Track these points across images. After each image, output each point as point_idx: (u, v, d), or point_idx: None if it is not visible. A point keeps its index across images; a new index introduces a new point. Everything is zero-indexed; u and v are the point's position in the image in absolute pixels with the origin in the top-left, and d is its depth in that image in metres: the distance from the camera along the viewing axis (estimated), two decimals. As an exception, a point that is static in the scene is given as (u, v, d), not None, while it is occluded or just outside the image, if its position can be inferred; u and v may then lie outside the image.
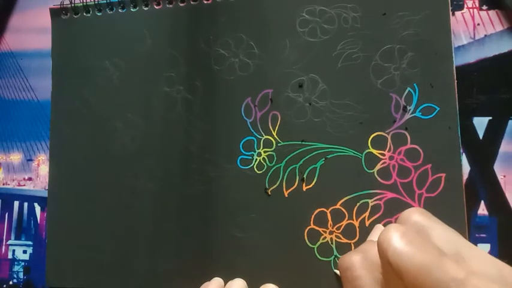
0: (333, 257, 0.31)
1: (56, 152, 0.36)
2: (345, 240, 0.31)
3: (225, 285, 0.32)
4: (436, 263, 0.20)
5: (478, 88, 0.32)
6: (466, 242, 0.23)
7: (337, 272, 0.27)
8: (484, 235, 0.31)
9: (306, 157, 0.32)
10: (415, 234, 0.22)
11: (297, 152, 0.32)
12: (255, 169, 0.33)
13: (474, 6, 0.33)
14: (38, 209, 0.38)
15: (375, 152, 0.31)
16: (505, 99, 0.32)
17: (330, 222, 0.32)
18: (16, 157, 0.38)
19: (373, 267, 0.23)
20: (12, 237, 0.38)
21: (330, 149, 0.32)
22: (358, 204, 0.31)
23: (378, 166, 0.31)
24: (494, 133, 0.32)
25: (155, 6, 0.35)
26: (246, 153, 0.33)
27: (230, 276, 0.32)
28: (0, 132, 0.39)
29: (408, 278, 0.20)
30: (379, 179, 0.31)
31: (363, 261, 0.24)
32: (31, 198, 0.38)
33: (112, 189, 0.35)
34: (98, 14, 0.36)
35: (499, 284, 0.20)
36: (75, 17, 0.36)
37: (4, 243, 0.38)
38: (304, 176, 0.32)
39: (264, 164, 0.33)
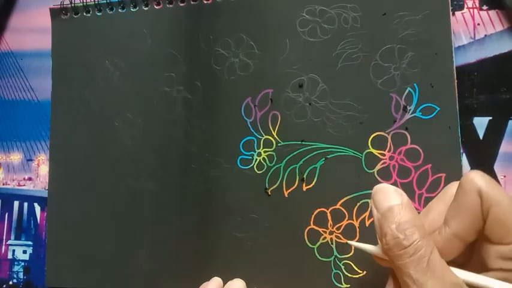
0: (333, 257, 0.31)
1: (56, 152, 0.36)
2: (345, 241, 0.31)
3: (224, 285, 0.32)
4: None
5: (478, 88, 0.32)
6: None
7: (353, 243, 0.26)
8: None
9: (306, 157, 0.32)
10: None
11: (297, 152, 0.32)
12: (255, 169, 0.33)
13: (474, 6, 0.33)
14: (38, 209, 0.38)
15: (375, 152, 0.31)
16: (505, 99, 0.32)
17: (330, 222, 0.32)
18: (16, 157, 0.38)
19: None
20: (12, 237, 0.38)
21: (330, 149, 0.32)
22: (358, 204, 0.31)
23: (378, 166, 0.31)
24: (494, 133, 0.32)
25: (155, 6, 0.35)
26: (246, 153, 0.33)
27: (230, 276, 0.32)
28: (0, 132, 0.39)
29: (499, 212, 0.21)
30: (379, 179, 0.31)
31: (414, 211, 0.23)
32: (31, 198, 0.38)
33: (112, 189, 0.35)
34: (98, 14, 0.36)
35: None
36: (75, 17, 0.36)
37: (4, 243, 0.38)
38: (304, 176, 0.32)
39: (264, 164, 0.33)
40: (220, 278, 0.32)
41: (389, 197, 0.23)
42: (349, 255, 0.31)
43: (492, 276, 0.22)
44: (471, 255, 0.24)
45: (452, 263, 0.23)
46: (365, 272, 0.31)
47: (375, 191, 0.24)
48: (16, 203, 0.38)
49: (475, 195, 0.22)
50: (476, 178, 0.22)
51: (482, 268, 0.23)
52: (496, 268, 0.22)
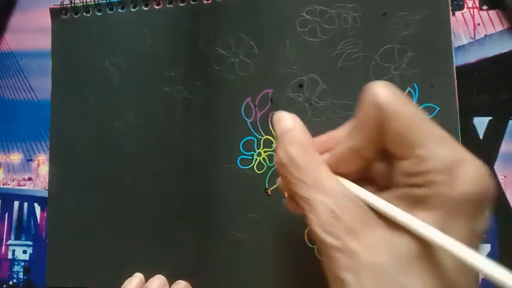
0: (333, 257, 0.31)
1: (56, 152, 0.36)
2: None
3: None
4: (425, 119, 0.20)
5: (478, 88, 0.32)
6: None
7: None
8: (484, 235, 0.31)
9: (306, 157, 0.32)
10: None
11: (297, 152, 0.32)
12: (255, 169, 0.33)
13: (474, 6, 0.33)
14: (38, 209, 0.38)
15: (375, 152, 0.31)
16: (505, 99, 0.32)
17: (330, 222, 0.32)
18: (16, 157, 0.38)
19: (312, 141, 0.23)
20: (12, 237, 0.38)
21: (330, 149, 0.32)
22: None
23: (378, 166, 0.31)
24: (494, 133, 0.32)
25: (155, 6, 0.35)
26: (246, 153, 0.33)
27: (230, 276, 0.32)
28: (0, 132, 0.39)
29: (396, 125, 0.20)
30: (379, 179, 0.31)
31: (304, 132, 0.23)
32: (31, 198, 0.38)
33: (112, 189, 0.35)
34: (98, 14, 0.36)
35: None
36: (75, 17, 0.36)
37: (4, 243, 0.38)
38: (304, 176, 0.32)
39: (264, 164, 0.33)
40: (141, 274, 0.33)
41: (283, 121, 0.23)
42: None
43: (396, 193, 0.21)
44: (387, 174, 0.22)
45: (372, 185, 0.22)
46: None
47: (273, 120, 0.24)
48: (16, 203, 0.38)
49: (373, 107, 0.20)
50: (376, 89, 0.20)
51: (390, 186, 0.21)
52: (401, 184, 0.20)
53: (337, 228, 0.20)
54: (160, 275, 0.33)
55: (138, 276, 0.33)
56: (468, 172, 0.19)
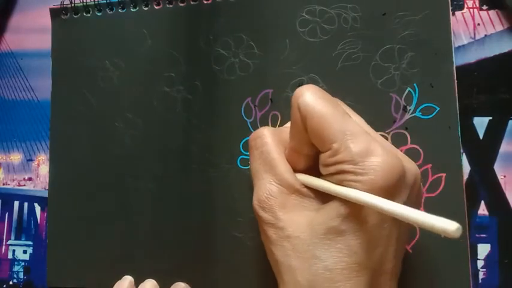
0: (333, 257, 0.31)
1: (56, 152, 0.36)
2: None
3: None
4: (340, 116, 0.23)
5: (478, 88, 0.32)
6: (374, 131, 0.26)
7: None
8: (484, 235, 0.31)
9: (306, 157, 0.32)
10: (328, 95, 0.24)
11: (297, 152, 0.32)
12: (255, 169, 0.33)
13: (474, 6, 0.33)
14: (38, 209, 0.38)
15: (375, 152, 0.31)
16: (505, 99, 0.32)
17: (330, 222, 0.32)
18: (16, 157, 0.38)
19: (280, 139, 0.26)
20: (12, 237, 0.38)
21: (330, 149, 0.32)
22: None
23: (378, 166, 0.31)
24: (494, 133, 0.32)
25: (155, 6, 0.35)
26: (246, 153, 0.33)
27: (230, 276, 0.32)
28: (0, 132, 0.39)
29: (312, 123, 0.23)
30: (379, 179, 0.31)
31: (272, 132, 0.27)
32: (31, 198, 0.38)
33: (112, 189, 0.35)
34: (98, 14, 0.36)
35: (390, 149, 0.23)
36: (75, 17, 0.36)
37: (4, 243, 0.38)
38: (304, 176, 0.32)
39: (264, 164, 0.33)
40: (131, 277, 0.33)
41: (256, 132, 0.27)
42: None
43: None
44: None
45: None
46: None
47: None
48: (16, 203, 0.38)
49: (296, 109, 0.24)
50: (298, 92, 0.24)
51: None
52: (324, 174, 0.24)
53: (271, 206, 0.24)
54: (151, 279, 0.33)
55: (127, 279, 0.33)
56: (373, 163, 0.21)
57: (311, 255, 0.23)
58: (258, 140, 0.27)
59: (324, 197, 0.24)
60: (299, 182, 0.25)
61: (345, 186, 0.22)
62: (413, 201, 0.23)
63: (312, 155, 0.25)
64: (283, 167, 0.25)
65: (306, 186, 0.25)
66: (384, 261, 0.23)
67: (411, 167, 0.24)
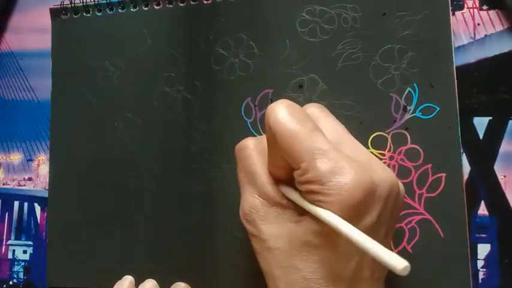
0: (333, 257, 0.31)
1: (56, 152, 0.36)
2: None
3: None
4: (308, 134, 0.23)
5: (478, 88, 0.32)
6: (350, 136, 0.26)
7: None
8: (484, 235, 0.31)
9: (306, 157, 0.32)
10: (299, 110, 0.24)
11: (297, 152, 0.32)
12: (255, 169, 0.33)
13: (474, 6, 0.33)
14: (38, 209, 0.38)
15: (375, 152, 0.31)
16: (505, 99, 0.32)
17: (330, 222, 0.32)
18: (16, 157, 0.38)
19: (263, 149, 0.26)
20: (12, 237, 0.38)
21: (330, 149, 0.32)
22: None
23: (378, 166, 0.31)
24: (494, 133, 0.32)
25: (155, 6, 0.35)
26: (246, 153, 0.33)
27: (230, 276, 0.32)
28: (0, 132, 0.39)
29: (281, 142, 0.23)
30: (379, 179, 0.31)
31: (256, 144, 0.27)
32: (31, 198, 0.38)
33: (112, 189, 0.35)
34: (98, 14, 0.36)
35: (360, 163, 0.23)
36: (75, 17, 0.36)
37: (4, 243, 0.38)
38: (304, 176, 0.32)
39: (264, 164, 0.33)
40: (131, 276, 0.33)
41: (241, 144, 0.28)
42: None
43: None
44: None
45: None
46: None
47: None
48: (16, 203, 0.38)
49: (268, 126, 0.24)
50: (269, 109, 0.24)
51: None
52: (301, 191, 0.24)
53: (253, 219, 0.25)
54: (151, 279, 0.33)
55: (127, 279, 0.33)
56: (339, 183, 0.22)
57: (290, 265, 0.24)
58: (241, 152, 0.27)
59: (303, 209, 0.24)
60: (280, 194, 0.25)
61: (316, 205, 0.23)
62: (389, 211, 0.24)
63: (289, 168, 0.25)
64: (264, 180, 0.25)
65: (287, 198, 0.25)
66: (360, 270, 0.23)
67: (385, 178, 0.23)
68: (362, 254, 0.23)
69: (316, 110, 0.27)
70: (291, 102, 0.24)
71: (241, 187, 0.27)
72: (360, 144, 0.26)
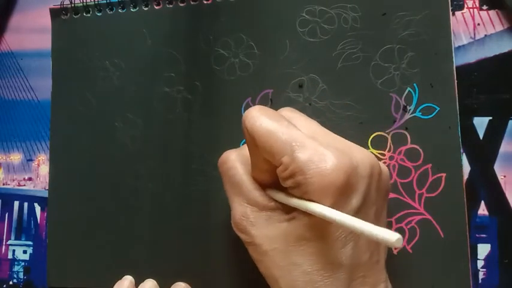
0: (333, 257, 0.31)
1: (56, 152, 0.36)
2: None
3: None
4: (284, 129, 0.24)
5: (478, 88, 0.32)
6: (324, 129, 0.27)
7: None
8: (484, 235, 0.31)
9: (306, 157, 0.32)
10: (272, 111, 0.25)
11: (297, 152, 0.32)
12: (255, 169, 0.33)
13: (474, 6, 0.33)
14: (38, 209, 0.38)
15: (375, 152, 0.31)
16: (505, 99, 0.32)
17: (330, 222, 0.32)
18: (16, 157, 0.38)
19: (246, 158, 0.27)
20: (12, 237, 0.38)
21: (330, 149, 0.32)
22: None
23: (378, 166, 0.31)
24: (494, 133, 0.32)
25: (155, 6, 0.35)
26: (246, 153, 0.33)
27: (230, 276, 0.32)
28: (0, 132, 0.39)
29: (260, 142, 0.24)
30: (379, 179, 0.31)
31: (237, 154, 0.27)
32: (31, 198, 0.38)
33: (112, 189, 0.35)
34: (98, 14, 0.36)
35: (338, 148, 0.23)
36: (75, 17, 0.36)
37: (4, 243, 0.38)
38: (304, 176, 0.32)
39: (264, 164, 0.33)
40: (131, 277, 0.33)
41: (223, 155, 0.29)
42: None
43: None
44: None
45: None
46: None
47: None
48: (16, 203, 0.38)
49: (245, 131, 0.25)
50: (244, 115, 0.25)
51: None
52: (287, 188, 0.24)
53: (244, 227, 0.26)
54: (151, 279, 0.33)
55: (127, 279, 0.33)
56: (320, 169, 0.22)
57: (289, 263, 0.24)
58: (224, 166, 0.28)
59: (292, 207, 0.25)
60: (267, 197, 0.26)
61: (304, 197, 0.23)
62: (374, 190, 0.24)
63: (273, 169, 0.25)
64: (250, 187, 0.26)
65: (275, 200, 0.26)
66: (357, 255, 0.24)
67: (364, 157, 0.24)
68: (355, 238, 0.23)
69: (288, 112, 0.28)
70: (263, 106, 0.25)
71: (230, 199, 0.27)
72: (336, 135, 0.26)
